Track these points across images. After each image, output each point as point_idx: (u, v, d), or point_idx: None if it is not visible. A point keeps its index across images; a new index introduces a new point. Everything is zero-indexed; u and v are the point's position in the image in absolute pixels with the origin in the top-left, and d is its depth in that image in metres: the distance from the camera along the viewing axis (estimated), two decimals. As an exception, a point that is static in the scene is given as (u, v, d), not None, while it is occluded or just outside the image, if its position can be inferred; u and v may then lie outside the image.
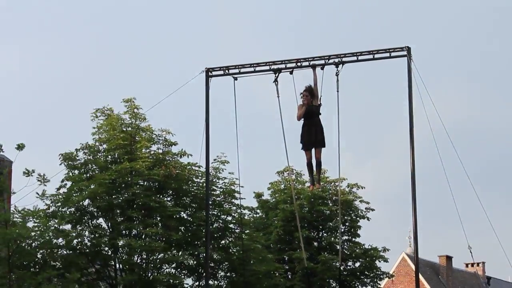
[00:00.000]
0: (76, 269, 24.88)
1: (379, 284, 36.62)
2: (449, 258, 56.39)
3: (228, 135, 22.80)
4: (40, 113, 76.79)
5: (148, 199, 25.77)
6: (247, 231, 28.51)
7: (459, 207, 21.93)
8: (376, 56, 20.98)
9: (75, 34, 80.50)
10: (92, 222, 26.48)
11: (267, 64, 21.21)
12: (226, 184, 27.97)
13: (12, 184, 25.35)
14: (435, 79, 71.25)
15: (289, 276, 33.81)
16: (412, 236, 22.28)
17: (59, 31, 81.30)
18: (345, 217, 35.30)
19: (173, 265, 27.10)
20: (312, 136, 18.39)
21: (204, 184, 26.73)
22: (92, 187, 25.75)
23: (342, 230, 35.51)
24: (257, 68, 21.47)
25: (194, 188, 27.30)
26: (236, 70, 21.78)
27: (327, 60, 20.42)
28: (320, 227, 34.98)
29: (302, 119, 18.52)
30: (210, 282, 26.45)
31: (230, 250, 28.01)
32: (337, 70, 19.84)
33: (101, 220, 26.60)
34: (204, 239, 25.89)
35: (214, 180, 27.47)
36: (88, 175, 26.43)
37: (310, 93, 18.57)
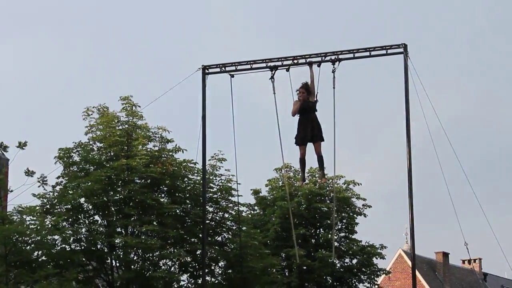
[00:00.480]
0: (73, 266, 24.90)
1: (376, 280, 36.68)
2: (445, 255, 56.49)
3: (225, 132, 22.86)
4: (36, 111, 76.86)
5: (144, 196, 25.79)
6: (244, 228, 28.52)
7: (455, 204, 21.97)
8: (373, 53, 20.99)
9: (71, 32, 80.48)
10: (89, 220, 26.48)
11: (264, 61, 21.22)
12: (222, 181, 27.99)
13: (8, 182, 25.29)
14: (431, 76, 71.45)
15: (286, 273, 33.86)
16: (408, 233, 22.29)
17: (54, 29, 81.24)
18: (342, 214, 35.35)
19: (170, 262, 27.11)
20: (308, 132, 18.40)
21: (200, 181, 26.78)
22: (88, 184, 25.75)
23: (339, 227, 35.57)
24: (254, 66, 21.47)
25: (190, 185, 27.31)
26: (233, 68, 21.79)
27: (323, 57, 20.43)
28: (317, 224, 35.02)
29: (298, 115, 18.56)
30: (207, 278, 26.45)
31: (227, 247, 28.02)
32: (334, 67, 19.89)
33: (97, 218, 26.62)
34: (200, 235, 25.92)
35: (211, 177, 27.49)
36: (83, 173, 26.44)
37: (306, 90, 18.61)
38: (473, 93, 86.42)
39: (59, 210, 25.92)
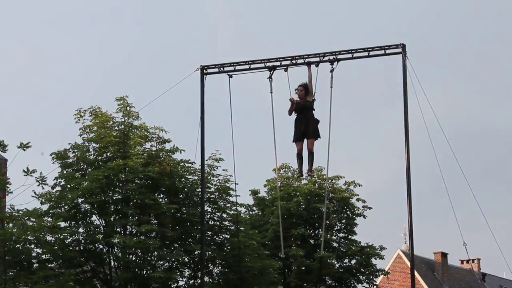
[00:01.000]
0: (71, 267, 24.88)
1: (375, 281, 36.68)
2: (444, 255, 56.46)
3: (223, 133, 22.84)
4: (34, 110, 76.80)
5: (142, 196, 25.77)
6: (242, 228, 28.51)
7: (454, 204, 21.97)
8: (371, 53, 20.98)
9: (69, 32, 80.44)
10: (87, 220, 26.46)
11: (262, 61, 21.21)
12: (220, 181, 27.98)
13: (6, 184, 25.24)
14: (430, 76, 71.45)
15: (286, 274, 33.84)
16: (407, 233, 22.28)
17: (52, 29, 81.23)
18: (341, 215, 35.34)
19: (168, 263, 27.09)
20: (303, 127, 18.47)
21: (198, 181, 26.77)
22: (85, 184, 25.74)
23: (338, 227, 35.56)
24: (252, 66, 21.47)
25: (188, 185, 27.28)
26: (231, 68, 21.77)
27: (322, 58, 20.43)
28: (316, 224, 34.99)
29: (296, 114, 18.61)
30: (205, 279, 26.43)
31: (225, 247, 28.01)
32: (332, 67, 19.91)
33: (95, 218, 26.60)
34: (198, 236, 25.91)
35: (209, 177, 27.47)
36: (81, 173, 26.43)
37: (305, 88, 18.69)
38: (471, 92, 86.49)
39: (57, 210, 25.91)
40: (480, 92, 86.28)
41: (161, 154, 27.05)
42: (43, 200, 25.73)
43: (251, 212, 34.89)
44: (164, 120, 39.97)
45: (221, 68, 21.92)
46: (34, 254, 24.85)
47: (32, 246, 24.57)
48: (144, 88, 70.14)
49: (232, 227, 28.18)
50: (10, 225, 23.66)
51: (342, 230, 35.62)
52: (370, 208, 35.75)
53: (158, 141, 27.45)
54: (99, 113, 27.02)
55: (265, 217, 34.41)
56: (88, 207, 26.35)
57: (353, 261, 35.18)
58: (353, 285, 35.11)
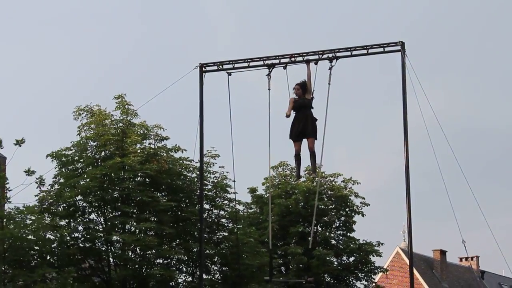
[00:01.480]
0: (71, 264, 24.89)
1: (374, 278, 36.71)
2: (443, 252, 56.45)
3: (222, 130, 22.82)
4: (32, 110, 76.80)
5: (141, 194, 25.78)
6: (240, 226, 28.54)
7: (453, 202, 21.97)
8: (370, 51, 20.95)
9: (67, 31, 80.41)
10: (85, 218, 26.47)
11: (261, 59, 21.17)
12: (217, 178, 27.99)
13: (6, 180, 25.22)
14: (429, 74, 71.40)
15: (283, 271, 33.86)
16: (406, 231, 22.31)
17: (49, 29, 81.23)
18: (340, 212, 35.35)
19: (167, 260, 27.12)
20: (301, 127, 18.38)
21: (195, 179, 26.78)
22: (83, 182, 25.75)
23: (337, 225, 35.57)
24: (251, 64, 21.42)
25: (186, 182, 27.29)
26: (230, 66, 21.75)
27: (321, 55, 20.39)
28: (315, 222, 34.99)
29: (294, 112, 18.55)
30: (204, 276, 26.44)
31: (223, 245, 28.03)
32: (331, 65, 19.85)
33: (94, 216, 26.62)
34: (197, 233, 25.92)
35: (206, 174, 27.46)
36: (79, 171, 26.44)
37: (303, 87, 18.61)
38: (470, 91, 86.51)
39: (56, 209, 25.93)
40: (479, 91, 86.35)
41: (159, 152, 27.06)
42: (41, 199, 25.73)
43: (249, 210, 34.89)
44: (163, 118, 39.94)
45: (220, 66, 21.89)
46: (33, 252, 24.83)
47: (32, 244, 24.56)
48: (143, 86, 70.14)
49: (230, 225, 28.21)
50: (11, 221, 23.62)
51: (340, 227, 35.63)
52: (368, 204, 35.78)
53: (156, 138, 27.47)
54: (97, 111, 27.02)
55: (263, 215, 34.42)
56: (86, 205, 26.37)
57: (351, 259, 35.19)
58: (351, 282, 35.12)
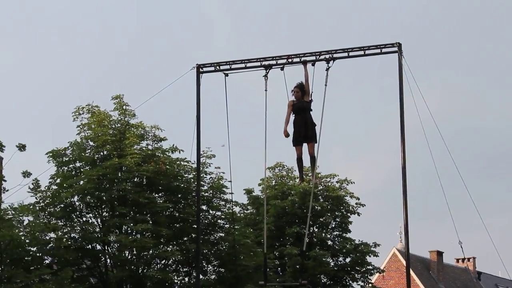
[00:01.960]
0: (68, 265, 24.88)
1: (370, 279, 36.72)
2: (440, 254, 56.52)
3: (219, 131, 22.80)
4: (30, 109, 76.73)
5: (138, 195, 25.78)
6: (237, 226, 28.54)
7: (449, 203, 21.96)
8: (367, 52, 20.91)
9: (65, 30, 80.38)
10: (82, 219, 26.46)
11: (258, 60, 21.13)
12: (213, 179, 27.99)
13: (2, 182, 25.21)
14: (426, 75, 71.50)
15: (280, 272, 33.87)
16: (403, 232, 22.32)
17: (46, 28, 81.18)
18: (336, 213, 35.39)
19: (163, 261, 27.11)
20: (302, 131, 18.34)
21: (192, 180, 26.77)
22: (81, 183, 25.75)
23: (333, 225, 35.60)
24: (248, 64, 21.37)
25: (183, 183, 27.29)
26: (227, 67, 21.70)
27: (318, 56, 20.34)
28: (311, 223, 35.03)
29: (293, 115, 18.51)
30: (200, 277, 26.44)
31: (220, 246, 28.03)
32: (328, 66, 19.83)
33: (90, 216, 26.60)
34: (193, 234, 25.90)
35: (202, 175, 27.46)
36: (76, 172, 26.43)
37: (301, 89, 18.58)
38: (467, 91, 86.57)
39: (53, 209, 25.92)
40: (475, 91, 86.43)
41: (157, 153, 27.07)
42: (38, 199, 25.73)
43: (245, 211, 34.91)
44: (160, 119, 39.93)
45: (217, 67, 21.84)
46: (30, 253, 24.82)
47: (29, 247, 24.55)
48: (139, 87, 70.07)
49: (227, 226, 28.21)
50: (7, 221, 23.61)
51: (336, 228, 35.67)
52: (363, 205, 35.84)
53: (154, 139, 27.48)
54: (97, 111, 27.05)
55: (259, 215, 34.44)
56: (83, 206, 26.36)
57: (348, 259, 35.22)
58: (348, 283, 35.14)
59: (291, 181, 35.47)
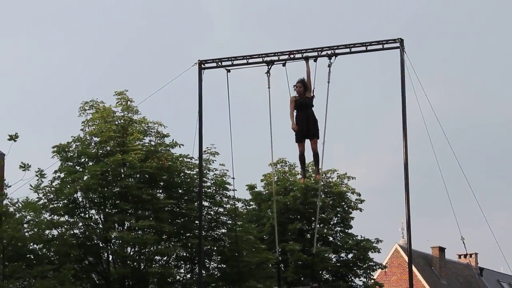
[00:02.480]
0: (70, 261, 24.90)
1: (372, 275, 36.72)
2: (442, 249, 56.44)
3: (221, 127, 22.80)
4: (30, 107, 76.76)
5: (140, 192, 25.78)
6: (240, 222, 28.54)
7: (452, 199, 21.96)
8: (369, 48, 20.94)
9: (66, 28, 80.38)
10: (85, 214, 26.48)
11: (260, 56, 21.15)
12: (217, 175, 28.00)
13: (4, 177, 25.23)
14: (428, 70, 71.46)
15: (282, 268, 33.85)
16: (405, 227, 22.33)
17: (47, 26, 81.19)
18: (337, 209, 35.38)
19: (165, 257, 27.12)
20: (305, 128, 18.34)
21: (195, 176, 26.77)
22: (84, 179, 25.77)
23: (334, 221, 35.61)
24: (250, 60, 21.40)
25: (186, 180, 27.29)
26: (229, 62, 21.71)
27: (320, 52, 20.37)
28: (313, 218, 35.02)
29: (295, 111, 18.51)
30: (202, 273, 26.45)
31: (222, 242, 28.03)
32: (330, 62, 19.83)
33: (93, 212, 26.62)
34: (196, 230, 25.90)
35: (205, 171, 27.48)
36: (81, 167, 26.46)
37: (304, 85, 18.59)
38: (469, 87, 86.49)
39: (56, 205, 25.93)
40: (478, 87, 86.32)
41: (159, 149, 27.08)
42: (41, 195, 25.74)
43: (248, 207, 34.90)
44: (162, 115, 40.00)
45: (219, 63, 21.86)
46: (32, 249, 24.83)
47: (31, 242, 24.56)
48: (141, 83, 70.13)
49: (229, 222, 28.21)
50: (11, 214, 23.61)
51: (338, 224, 35.66)
52: (363, 200, 35.85)
53: (156, 135, 27.50)
54: (102, 107, 27.08)
55: (262, 211, 34.44)
56: (86, 202, 26.37)
57: (350, 255, 35.21)
58: (350, 279, 35.13)
59: (293, 177, 35.45)
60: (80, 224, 26.22)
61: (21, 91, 77.17)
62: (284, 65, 20.40)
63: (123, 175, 26.23)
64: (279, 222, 33.80)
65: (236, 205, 28.94)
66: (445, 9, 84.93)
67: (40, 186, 25.24)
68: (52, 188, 25.94)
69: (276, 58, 20.86)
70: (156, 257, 26.85)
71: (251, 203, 35.26)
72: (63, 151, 26.42)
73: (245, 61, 21.51)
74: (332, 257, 34.88)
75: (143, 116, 27.50)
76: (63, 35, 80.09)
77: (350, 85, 71.05)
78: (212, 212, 28.10)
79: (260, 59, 21.09)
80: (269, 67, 20.40)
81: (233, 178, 26.62)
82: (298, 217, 34.52)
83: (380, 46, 20.89)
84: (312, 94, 18.64)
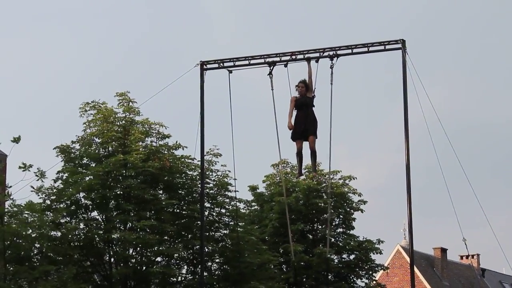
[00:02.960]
0: (72, 262, 24.90)
1: (374, 276, 36.70)
2: (443, 250, 56.44)
3: (223, 128, 22.81)
4: (31, 107, 76.80)
5: (142, 192, 25.80)
6: (242, 223, 28.55)
7: (453, 199, 21.96)
8: (371, 48, 20.92)
9: (68, 28, 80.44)
10: (86, 215, 26.50)
11: (262, 57, 21.15)
12: (219, 176, 28.01)
13: (6, 178, 25.27)
14: (429, 71, 71.46)
15: (284, 269, 33.85)
16: (406, 229, 22.32)
17: (49, 26, 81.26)
18: (339, 210, 35.35)
19: (167, 258, 27.13)
20: (303, 126, 18.41)
21: (197, 177, 26.78)
22: (86, 179, 25.79)
23: (336, 222, 35.58)
24: (252, 61, 21.39)
25: (188, 181, 27.31)
26: (231, 63, 21.70)
27: (321, 53, 20.38)
28: (315, 219, 35.02)
29: (296, 110, 18.56)
30: (204, 274, 26.46)
31: (224, 243, 28.03)
32: (332, 63, 19.86)
33: (95, 213, 26.63)
34: (198, 231, 25.90)
35: (208, 173, 27.49)
36: (83, 168, 26.48)
37: (305, 85, 18.66)
38: (471, 88, 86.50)
39: (58, 205, 25.95)
40: (480, 87, 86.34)
41: (161, 149, 27.10)
42: (43, 196, 25.74)
43: (250, 208, 34.90)
44: (164, 116, 39.99)
45: (221, 64, 21.85)
46: (35, 250, 24.84)
47: (34, 242, 24.56)
48: (143, 84, 70.17)
49: (231, 223, 28.22)
50: (12, 219, 23.61)
51: (340, 225, 35.64)
52: (365, 201, 35.82)
53: (158, 136, 27.52)
54: (103, 107, 27.11)
55: (264, 212, 34.44)
56: (88, 203, 26.39)
57: (352, 256, 35.19)
58: (352, 280, 35.11)
59: (295, 178, 35.45)
60: (82, 225, 26.21)
61: (25, 92, 77.30)
62: (286, 66, 20.43)
63: (125, 176, 26.24)
64: (281, 223, 33.86)
65: (238, 206, 28.97)
66: (447, 10, 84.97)
67: (41, 188, 25.26)
68: (54, 190, 25.95)
69: (278, 59, 20.88)
70: (158, 257, 26.86)
71: (253, 204, 35.26)
72: (65, 152, 26.44)
73: (247, 62, 21.51)
74: (334, 258, 34.86)
75: (145, 118, 27.52)
76: (67, 36, 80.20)
77: (352, 86, 71.10)
78: (214, 213, 28.12)
79: (262, 60, 21.10)
80: (271, 68, 20.43)
81: (235, 179, 26.68)
82: (300, 218, 34.49)
83: (382, 47, 20.88)
84: (313, 94, 18.70)
